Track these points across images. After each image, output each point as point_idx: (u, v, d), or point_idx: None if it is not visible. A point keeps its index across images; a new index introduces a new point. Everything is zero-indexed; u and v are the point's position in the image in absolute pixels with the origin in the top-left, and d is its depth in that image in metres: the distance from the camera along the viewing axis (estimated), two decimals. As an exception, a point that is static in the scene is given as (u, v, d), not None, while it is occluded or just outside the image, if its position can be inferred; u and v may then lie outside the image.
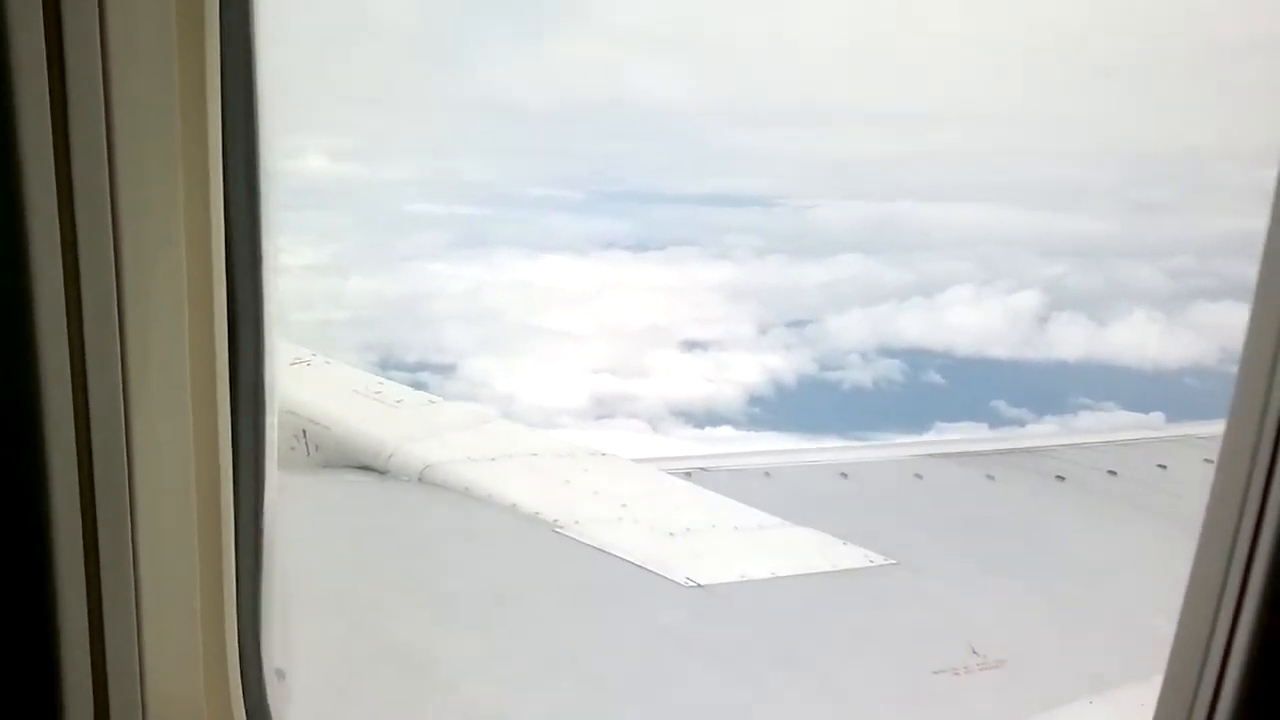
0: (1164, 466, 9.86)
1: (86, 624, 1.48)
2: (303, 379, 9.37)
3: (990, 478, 9.41)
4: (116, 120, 1.35)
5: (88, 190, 1.33)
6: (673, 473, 8.51)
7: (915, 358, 52.02)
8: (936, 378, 51.27)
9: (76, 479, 1.41)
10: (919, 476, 9.30)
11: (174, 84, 1.41)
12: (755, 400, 47.57)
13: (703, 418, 44.97)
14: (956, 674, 5.31)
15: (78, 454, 1.40)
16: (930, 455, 10.09)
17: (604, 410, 44.17)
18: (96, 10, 1.30)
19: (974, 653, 5.51)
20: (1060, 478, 9.40)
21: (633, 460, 9.04)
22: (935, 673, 5.31)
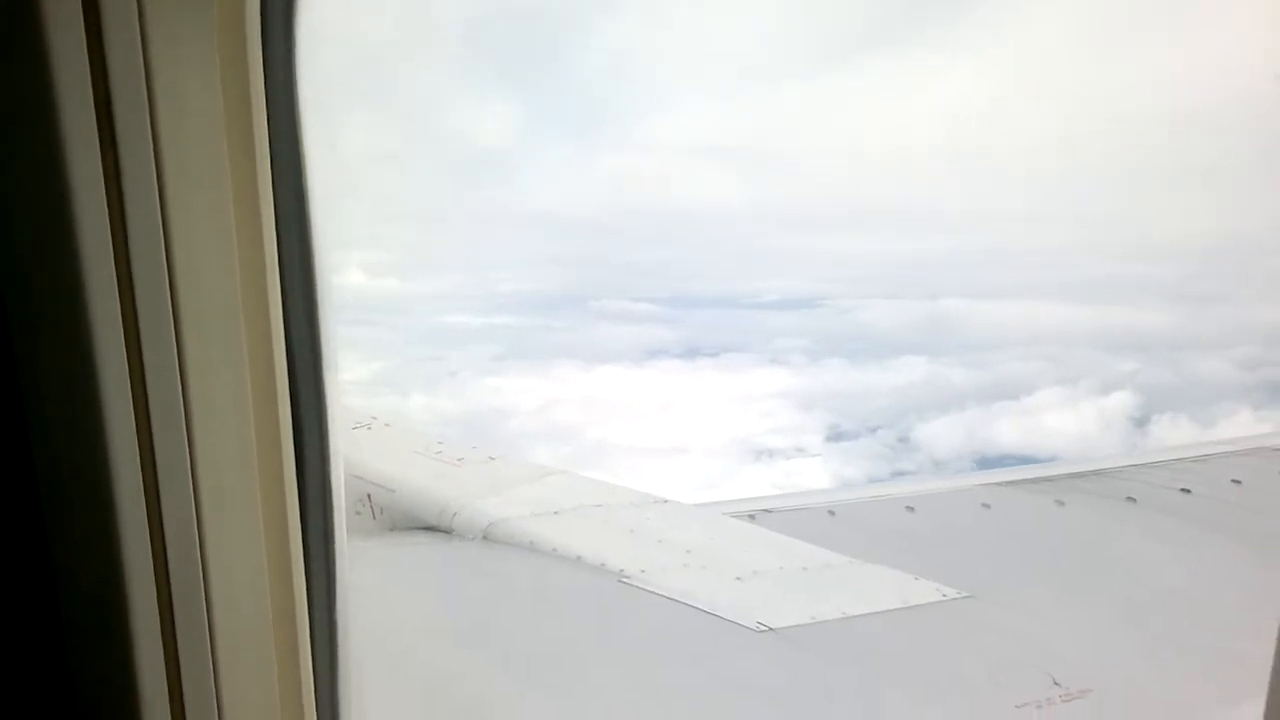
0: (1238, 481, 9.64)
1: (168, 707, 1.50)
2: (364, 443, 9.48)
3: (1060, 503, 9.25)
4: (175, 236, 1.39)
5: (148, 286, 1.37)
6: (736, 516, 8.46)
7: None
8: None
9: (152, 570, 1.44)
10: (987, 506, 9.16)
11: (228, 202, 1.46)
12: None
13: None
14: (1040, 707, 5.20)
15: (152, 549, 1.44)
16: (997, 484, 9.94)
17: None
18: (150, 135, 1.35)
19: (1056, 684, 5.39)
20: (1131, 499, 9.22)
21: (696, 505, 9.01)
22: (1017, 707, 5.20)
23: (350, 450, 8.78)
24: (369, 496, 8.17)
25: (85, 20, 1.26)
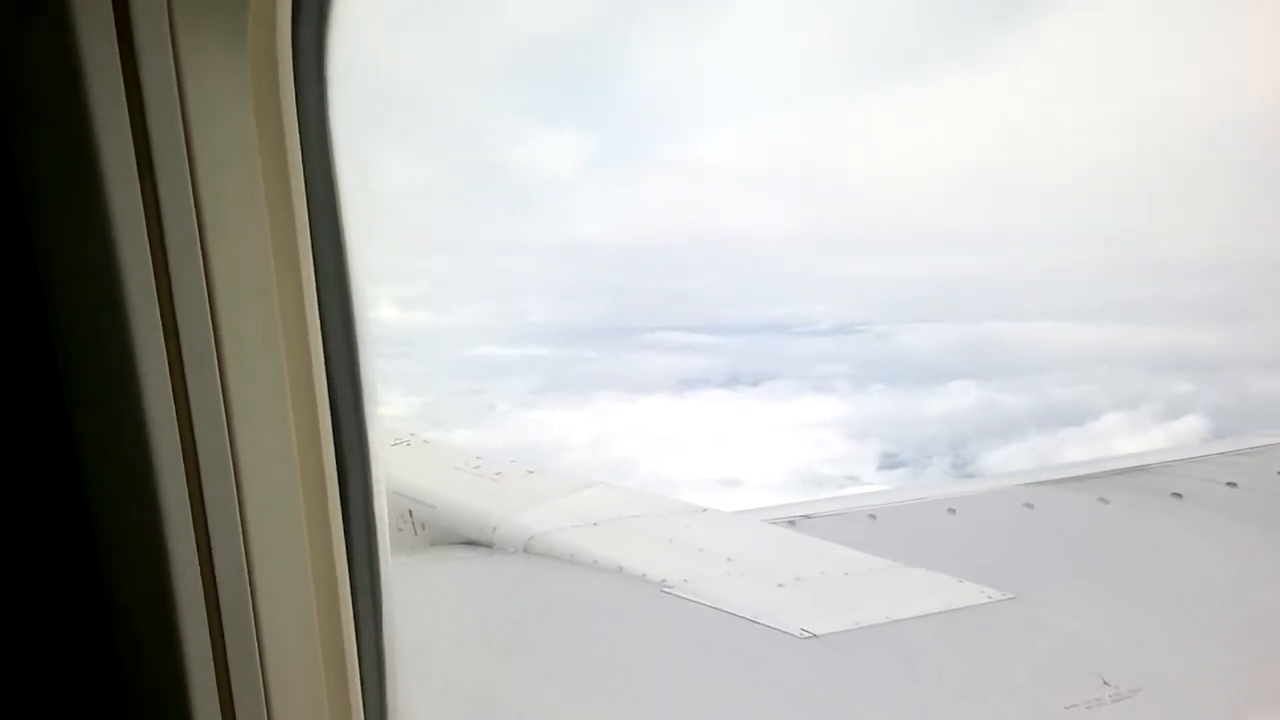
0: None
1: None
2: (403, 459, 9.54)
3: (1104, 501, 9.16)
4: (215, 267, 1.41)
5: (189, 318, 1.40)
6: (776, 522, 8.44)
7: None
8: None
9: (202, 594, 1.46)
10: (1029, 506, 9.09)
11: (265, 232, 1.49)
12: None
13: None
14: (1089, 707, 5.15)
15: (201, 573, 1.46)
16: (1039, 483, 9.86)
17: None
18: (188, 171, 1.37)
19: (1105, 684, 5.34)
20: (1177, 495, 9.12)
21: (735, 513, 8.99)
22: (1067, 708, 5.15)
23: (390, 467, 8.86)
24: (410, 513, 8.22)
25: (121, 58, 1.28)
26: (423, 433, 10.68)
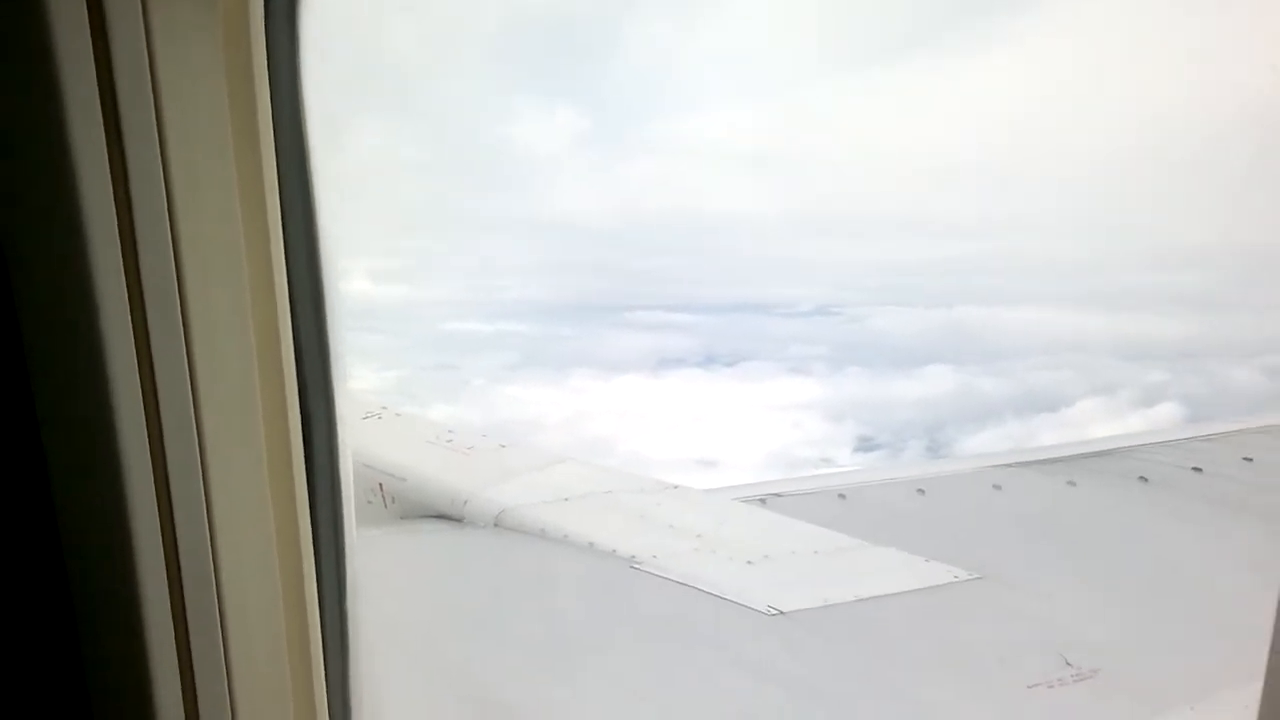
0: (1250, 459, 9.62)
1: (180, 698, 1.52)
2: (375, 432, 9.49)
3: (1071, 484, 9.24)
4: (183, 238, 1.40)
5: (157, 289, 1.38)
6: (747, 500, 8.47)
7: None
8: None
9: (164, 564, 1.45)
10: (998, 487, 9.15)
11: (235, 204, 1.47)
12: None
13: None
14: (1051, 687, 5.21)
15: (163, 544, 1.45)
16: (1008, 465, 9.93)
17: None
18: (157, 143, 1.35)
19: (1067, 664, 5.39)
20: (1144, 478, 9.20)
21: (706, 491, 9.01)
22: (1029, 687, 5.21)
23: (361, 440, 8.82)
24: (380, 485, 8.20)
25: (91, 26, 1.27)
26: (397, 407, 10.64)
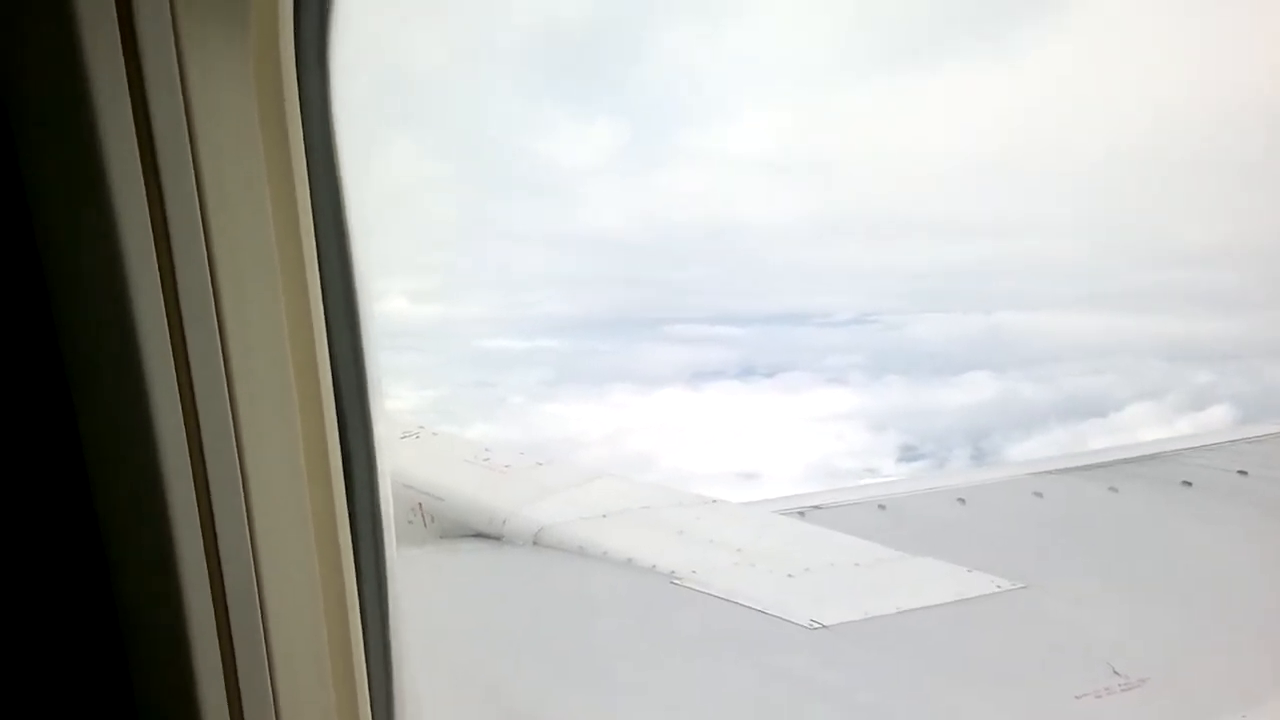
0: None
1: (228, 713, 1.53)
2: (412, 452, 9.55)
3: (1113, 490, 9.13)
4: (219, 264, 1.42)
5: (194, 310, 1.40)
6: (786, 513, 8.43)
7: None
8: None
9: (209, 587, 1.47)
10: (1039, 495, 9.07)
11: (269, 222, 1.49)
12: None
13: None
14: (1099, 697, 5.14)
15: (208, 567, 1.46)
16: (1048, 472, 9.84)
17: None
18: (191, 165, 1.37)
19: (1115, 673, 5.33)
20: (1187, 483, 9.09)
21: (745, 504, 8.99)
22: (1077, 697, 5.15)
23: (399, 460, 8.88)
24: (419, 505, 8.24)
25: (123, 48, 1.28)
26: (437, 427, 10.69)
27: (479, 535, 7.90)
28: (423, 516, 8.22)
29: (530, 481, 8.74)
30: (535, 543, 7.55)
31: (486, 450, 9.65)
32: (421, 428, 10.39)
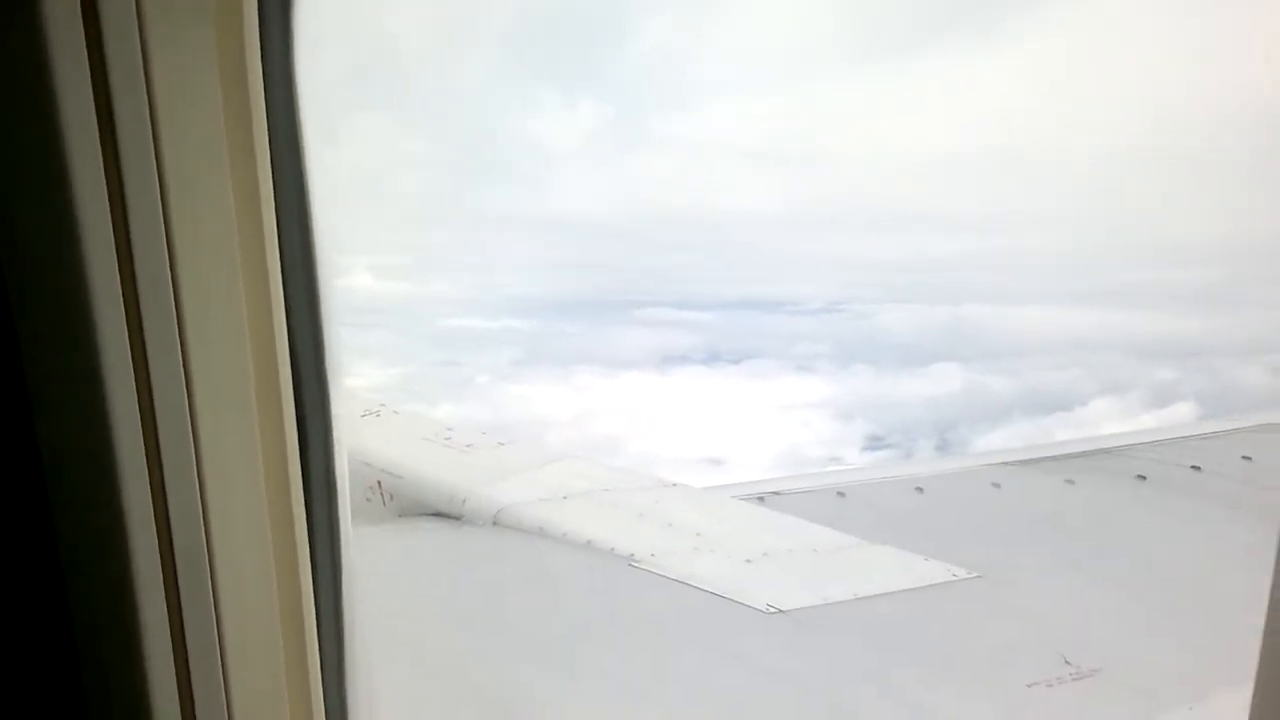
0: (1249, 458, 9.63)
1: (177, 697, 1.51)
2: (373, 430, 9.49)
3: (1070, 482, 9.24)
4: (177, 235, 1.40)
5: (152, 296, 1.38)
6: (745, 498, 8.46)
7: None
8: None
9: (159, 562, 1.45)
10: (996, 486, 9.16)
11: (229, 201, 1.47)
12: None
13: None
14: (1050, 686, 5.21)
15: (159, 542, 1.45)
16: (1006, 464, 9.94)
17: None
18: (151, 139, 1.35)
19: (1067, 663, 5.39)
20: (1142, 477, 9.21)
21: (705, 489, 9.01)
22: (1028, 686, 5.21)
23: (359, 437, 8.82)
24: (378, 483, 8.19)
25: (85, 25, 1.26)
26: (404, 406, 10.64)
27: (438, 514, 7.87)
28: (381, 495, 8.18)
29: (491, 462, 8.72)
30: (495, 523, 7.54)
31: (448, 429, 9.62)
32: (382, 405, 10.34)
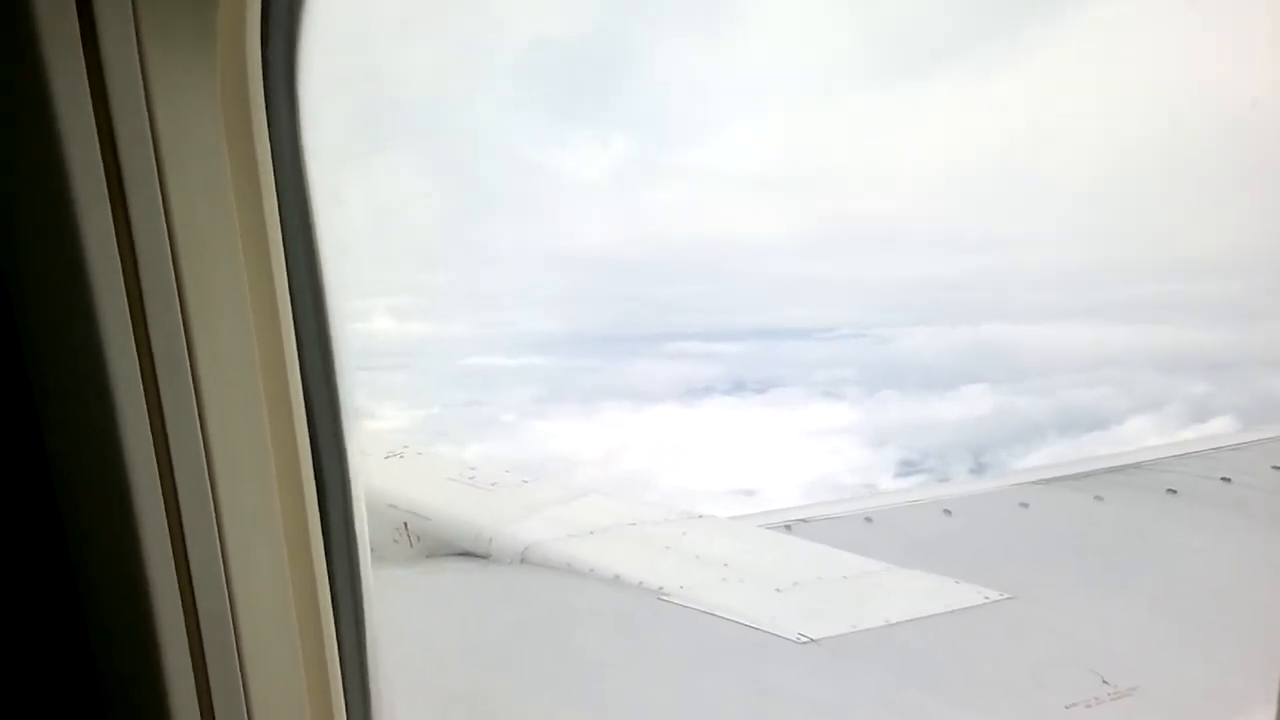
0: (1279, 467, 9.52)
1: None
2: (398, 472, 9.51)
3: (1099, 499, 9.16)
4: (188, 286, 1.40)
5: (160, 319, 1.38)
6: (772, 527, 8.42)
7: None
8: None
9: (180, 608, 1.45)
10: (1025, 505, 9.08)
11: (236, 237, 1.47)
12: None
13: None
14: (1089, 706, 5.14)
15: (179, 588, 1.44)
16: (1034, 482, 9.86)
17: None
18: (160, 200, 1.36)
19: (1104, 682, 5.33)
20: (1172, 491, 9.12)
21: (731, 519, 8.97)
22: (1067, 707, 5.14)
23: (384, 479, 8.82)
24: (404, 525, 8.19)
25: (88, 69, 1.26)
26: (429, 446, 10.65)
27: (465, 554, 7.86)
28: (408, 536, 8.17)
29: (516, 499, 8.71)
30: (522, 560, 7.52)
31: (471, 469, 9.62)
32: (406, 447, 10.35)
